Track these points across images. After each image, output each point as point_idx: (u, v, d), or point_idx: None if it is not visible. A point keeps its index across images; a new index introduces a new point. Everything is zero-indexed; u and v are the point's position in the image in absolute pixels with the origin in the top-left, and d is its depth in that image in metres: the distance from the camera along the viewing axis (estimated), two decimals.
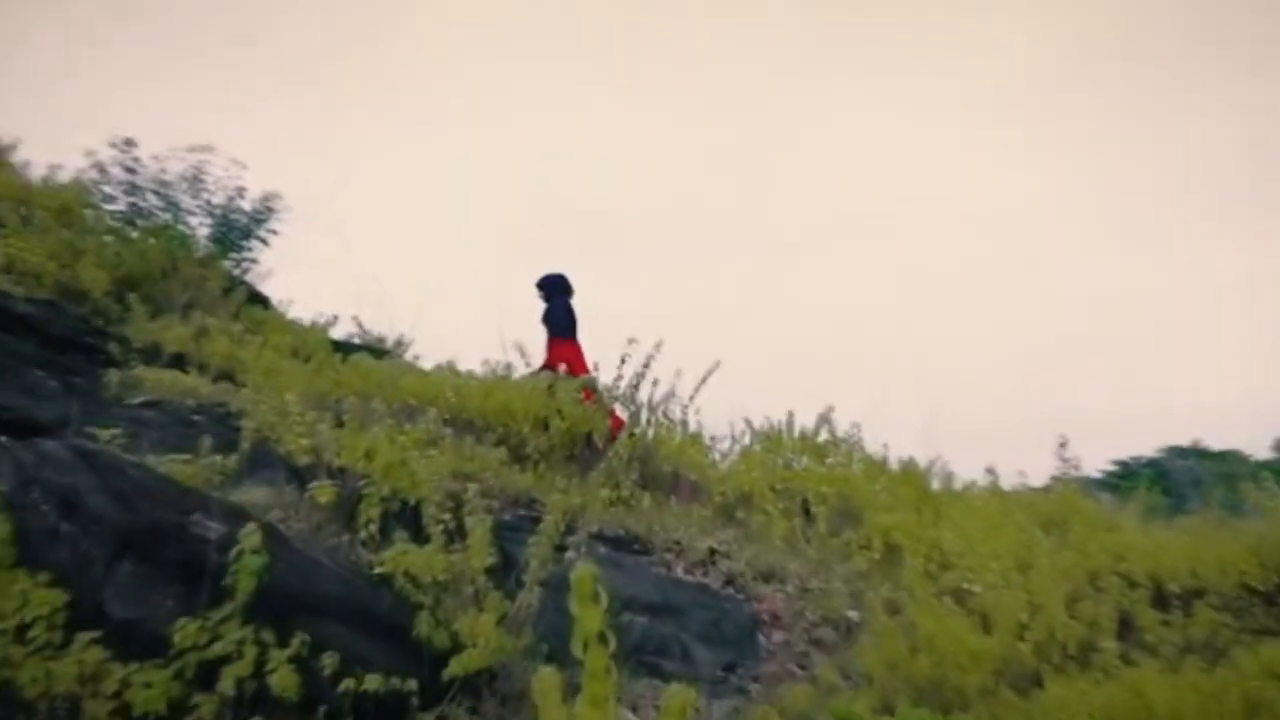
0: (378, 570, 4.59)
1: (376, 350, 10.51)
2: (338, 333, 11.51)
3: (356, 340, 11.65)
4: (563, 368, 8.06)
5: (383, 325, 12.33)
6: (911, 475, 8.43)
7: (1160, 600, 6.28)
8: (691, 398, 8.56)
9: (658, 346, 7.98)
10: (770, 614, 6.15)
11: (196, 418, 5.69)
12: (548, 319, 8.56)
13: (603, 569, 5.51)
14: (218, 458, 4.77)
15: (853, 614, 6.22)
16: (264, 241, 8.95)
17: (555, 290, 8.70)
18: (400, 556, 4.47)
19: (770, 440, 8.94)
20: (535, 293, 8.70)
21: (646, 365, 7.97)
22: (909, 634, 5.36)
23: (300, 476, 5.13)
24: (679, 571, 6.40)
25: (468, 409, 7.23)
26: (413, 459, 4.70)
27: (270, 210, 8.86)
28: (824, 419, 8.98)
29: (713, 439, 9.09)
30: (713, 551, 6.64)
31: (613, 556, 6.19)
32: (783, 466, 8.59)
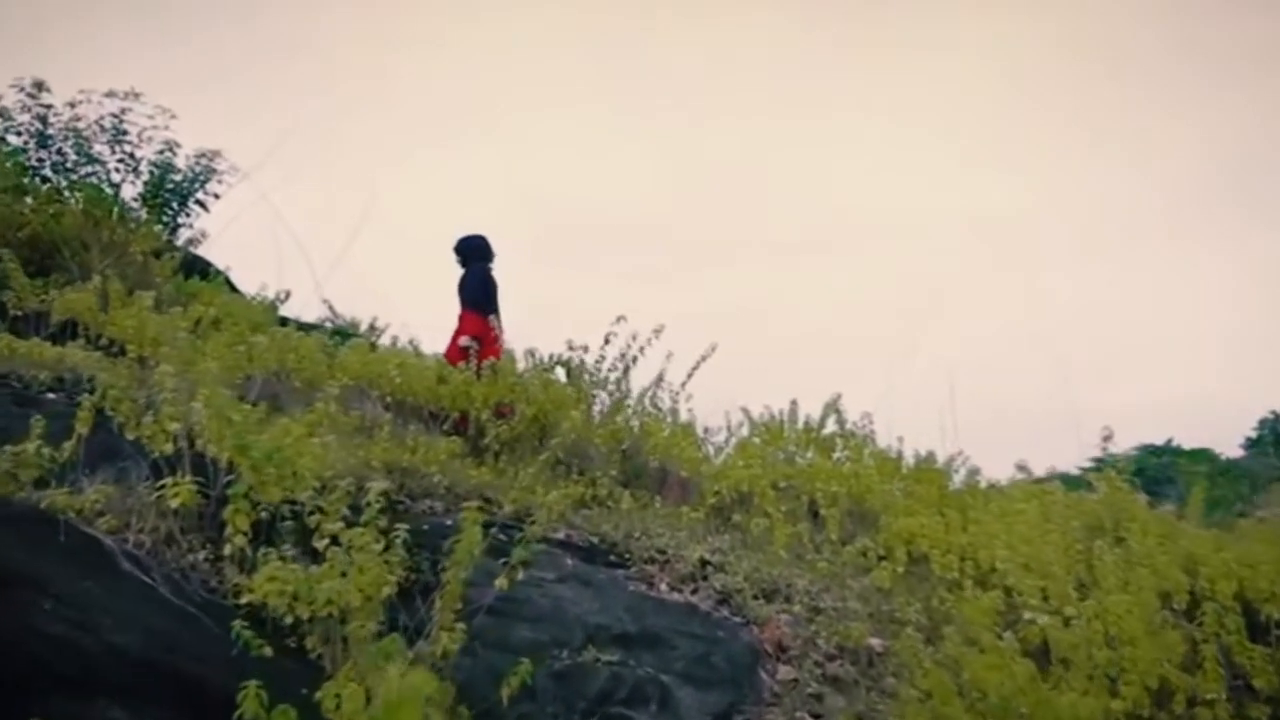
0: (245, 599, 3.17)
1: (341, 333, 9.05)
2: (309, 314, 10.09)
3: (329, 324, 10.24)
4: (464, 340, 6.60)
5: (356, 309, 10.94)
6: (931, 472, 6.98)
7: (1252, 628, 4.85)
8: (684, 384, 7.13)
9: (656, 332, 6.52)
10: (774, 643, 4.70)
11: (51, 396, 4.26)
12: (461, 287, 7.06)
13: (568, 587, 4.00)
14: (30, 446, 3.32)
15: (875, 642, 4.78)
16: (203, 205, 7.52)
17: (472, 255, 7.15)
18: (268, 583, 3.03)
19: (771, 432, 7.49)
20: (452, 257, 7.18)
21: (641, 350, 6.52)
22: (955, 675, 3.94)
23: (162, 472, 3.67)
24: (662, 588, 4.95)
25: (416, 392, 5.79)
26: (288, 447, 3.26)
27: (210, 170, 7.43)
28: (831, 408, 7.53)
29: (706, 431, 7.64)
30: (704, 563, 5.19)
31: (581, 570, 4.75)
32: (785, 462, 7.16)
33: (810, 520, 6.20)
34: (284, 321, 7.64)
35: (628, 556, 5.14)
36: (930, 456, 7.12)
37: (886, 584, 5.15)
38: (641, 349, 6.30)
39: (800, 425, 7.48)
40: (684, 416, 7.25)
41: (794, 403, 7.61)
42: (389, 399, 5.67)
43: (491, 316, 6.87)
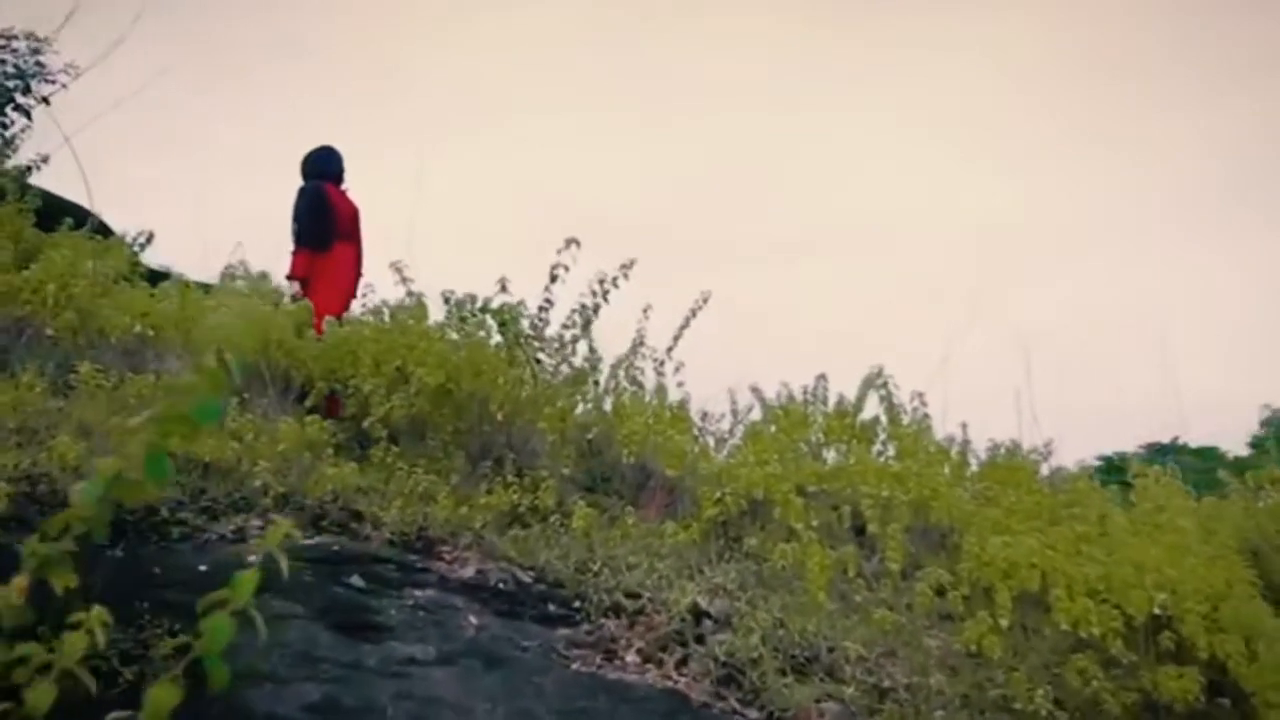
0: None
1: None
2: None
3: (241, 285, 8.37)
4: (295, 288, 4.88)
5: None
6: (1017, 469, 5.07)
7: None
8: (670, 349, 5.20)
9: (625, 269, 4.61)
10: None
11: None
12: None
13: (456, 674, 2.10)
14: None
15: None
16: (24, 112, 5.62)
17: (308, 173, 5.42)
18: None
19: (791, 417, 5.57)
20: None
21: (605, 294, 4.59)
22: None
23: None
24: (629, 660, 3.05)
25: (267, 351, 3.89)
26: None
27: (39, 66, 5.54)
28: (871, 383, 5.62)
29: (705, 416, 5.70)
30: (699, 613, 3.31)
31: (489, 637, 2.84)
32: (812, 457, 5.27)
33: (854, 540, 4.30)
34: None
35: (578, 606, 3.25)
36: (1014, 448, 5.20)
37: (995, 648, 3.23)
38: (606, 292, 4.39)
39: (831, 408, 5.57)
40: (674, 396, 5.35)
41: (822, 378, 5.70)
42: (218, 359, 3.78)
43: (338, 248, 5.10)
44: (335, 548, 2.97)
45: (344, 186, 5.40)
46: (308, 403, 3.89)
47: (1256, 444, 19.74)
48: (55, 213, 6.22)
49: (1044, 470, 5.60)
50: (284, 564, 1.17)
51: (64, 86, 5.72)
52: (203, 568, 2.52)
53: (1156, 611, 3.41)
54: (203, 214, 8.81)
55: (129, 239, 6.05)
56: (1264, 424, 19.92)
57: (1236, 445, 15.97)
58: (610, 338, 5.13)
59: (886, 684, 3.18)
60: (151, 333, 3.64)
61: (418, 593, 2.92)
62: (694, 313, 5.16)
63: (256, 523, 2.97)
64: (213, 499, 3.01)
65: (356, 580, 2.79)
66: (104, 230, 6.52)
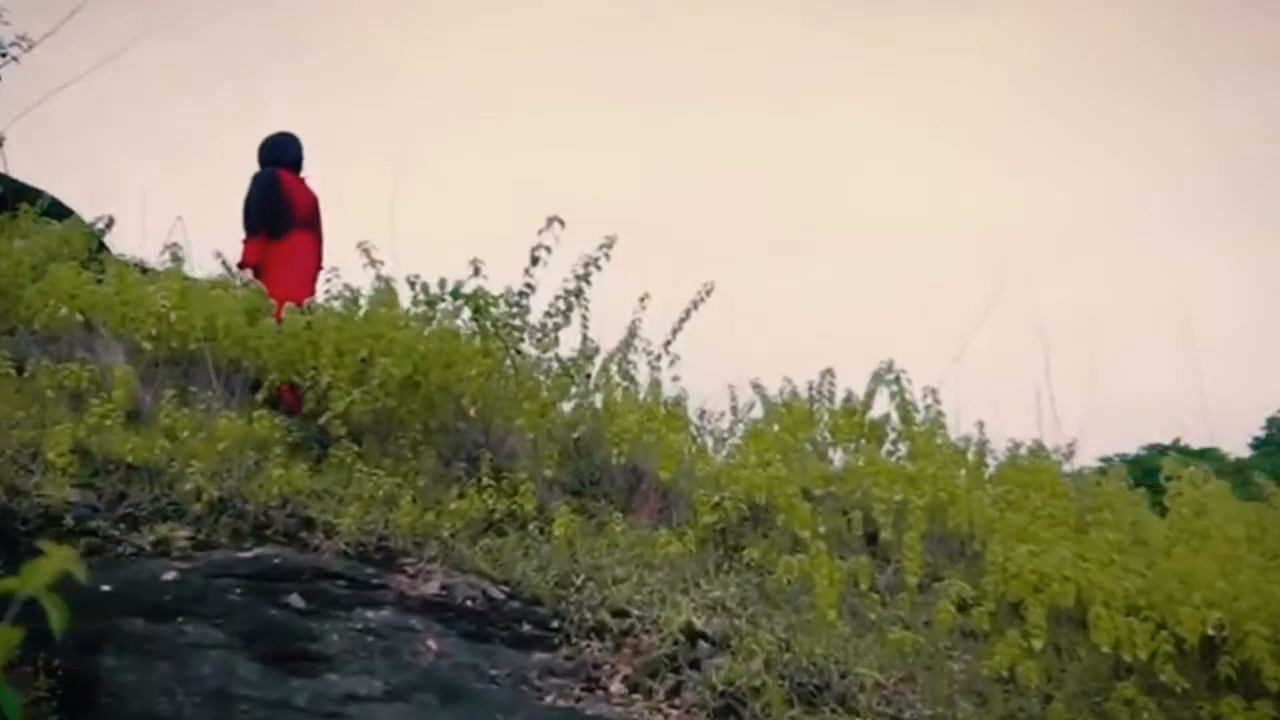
0: None
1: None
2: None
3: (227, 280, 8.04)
4: (248, 275, 4.57)
5: None
6: (1040, 471, 4.68)
7: None
8: (668, 343, 4.82)
9: (606, 247, 4.23)
10: None
11: None
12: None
13: (408, 711, 1.62)
14: None
15: None
16: None
17: (265, 159, 5.10)
18: None
19: (795, 414, 5.18)
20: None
21: (587, 276, 4.21)
22: None
23: None
24: (613, 690, 2.67)
25: (214, 339, 3.51)
26: None
27: None
28: (881, 378, 5.23)
29: (703, 414, 5.31)
30: (694, 635, 2.92)
31: (451, 665, 2.46)
32: (817, 457, 4.90)
33: (866, 549, 3.91)
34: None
35: (556, 626, 2.87)
36: (1037, 448, 4.81)
37: (1031, 674, 2.85)
38: (588, 274, 4.01)
39: (838, 405, 5.19)
40: (670, 392, 4.96)
41: (828, 373, 5.31)
42: (156, 347, 3.38)
43: (295, 236, 4.78)
44: (276, 560, 2.59)
45: (303, 174, 5.09)
46: (259, 396, 3.51)
47: (1258, 445, 19.56)
48: (14, 197, 5.89)
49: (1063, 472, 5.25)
50: (55, 616, 0.78)
51: (15, 59, 5.37)
52: (106, 587, 2.14)
53: (1209, 632, 3.04)
54: (200, 213, 8.52)
55: (91, 223, 5.72)
56: (1268, 425, 19.66)
57: (1237, 446, 15.65)
58: (607, 333, 4.78)
59: (907, 714, 2.81)
60: (81, 317, 3.27)
61: (369, 613, 2.54)
62: (695, 304, 4.79)
63: (184, 532, 2.59)
64: (134, 505, 2.63)
65: (295, 600, 2.42)
66: (61, 213, 6.21)
